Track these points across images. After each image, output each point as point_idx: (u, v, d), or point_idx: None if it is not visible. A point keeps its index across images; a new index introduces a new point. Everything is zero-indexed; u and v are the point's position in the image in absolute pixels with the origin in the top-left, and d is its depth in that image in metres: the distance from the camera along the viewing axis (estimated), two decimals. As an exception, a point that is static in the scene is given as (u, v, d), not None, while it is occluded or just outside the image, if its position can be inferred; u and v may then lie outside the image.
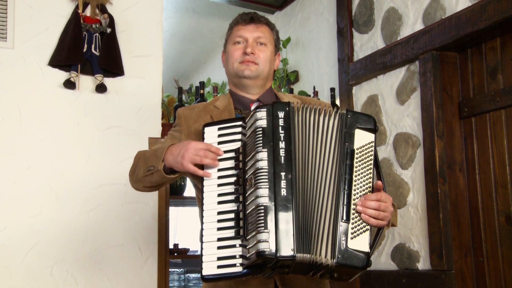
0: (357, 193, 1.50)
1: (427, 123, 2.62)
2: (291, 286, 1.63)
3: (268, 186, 1.45)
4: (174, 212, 5.28)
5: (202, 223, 1.55)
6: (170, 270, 3.15)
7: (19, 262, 2.72)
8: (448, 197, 2.54)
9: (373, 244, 1.50)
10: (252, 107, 1.76)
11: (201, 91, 3.27)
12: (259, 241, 1.40)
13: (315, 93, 3.41)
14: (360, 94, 3.13)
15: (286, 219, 1.43)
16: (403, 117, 2.81)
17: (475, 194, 2.53)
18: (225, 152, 1.59)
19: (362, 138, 1.54)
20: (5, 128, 2.80)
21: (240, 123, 1.62)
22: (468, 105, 2.57)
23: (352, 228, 1.46)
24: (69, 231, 2.83)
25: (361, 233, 1.47)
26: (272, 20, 4.16)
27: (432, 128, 2.59)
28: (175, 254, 3.27)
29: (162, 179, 1.62)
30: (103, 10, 3.02)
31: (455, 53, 2.64)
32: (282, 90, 3.70)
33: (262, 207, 1.43)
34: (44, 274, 2.75)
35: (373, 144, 1.55)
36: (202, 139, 1.63)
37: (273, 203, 1.44)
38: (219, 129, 1.63)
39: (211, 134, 1.63)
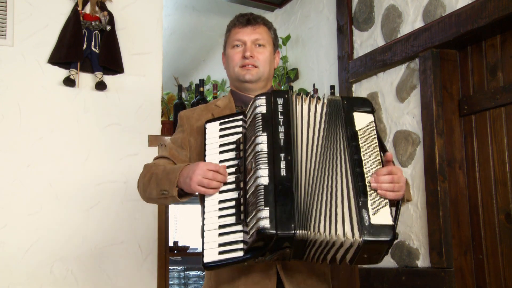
0: (369, 171, 1.50)
1: (427, 120, 2.62)
2: (292, 275, 1.63)
3: (267, 168, 1.46)
4: (174, 209, 5.28)
5: (203, 212, 1.56)
6: (170, 267, 3.16)
7: (19, 260, 2.72)
8: (448, 195, 2.54)
9: (395, 218, 1.48)
10: None
11: (201, 89, 3.27)
12: (259, 219, 1.40)
13: (315, 91, 3.41)
14: (360, 92, 3.13)
15: (286, 197, 1.43)
16: (403, 114, 2.81)
17: (475, 192, 2.53)
18: (227, 144, 1.62)
19: (361, 120, 1.57)
20: (5, 125, 2.80)
21: (241, 117, 1.65)
22: (468, 103, 2.57)
23: (372, 204, 1.45)
24: (69, 228, 2.84)
25: (381, 207, 1.45)
26: (272, 17, 4.17)
27: (432, 125, 2.58)
28: (175, 251, 3.28)
29: (175, 202, 1.65)
30: (103, 7, 3.02)
31: (455, 51, 2.64)
32: (282, 87, 3.70)
33: (262, 187, 1.44)
34: (44, 272, 2.75)
35: (373, 124, 1.58)
36: (204, 134, 1.67)
37: (272, 183, 1.44)
38: (221, 123, 1.66)
39: (213, 129, 1.66)
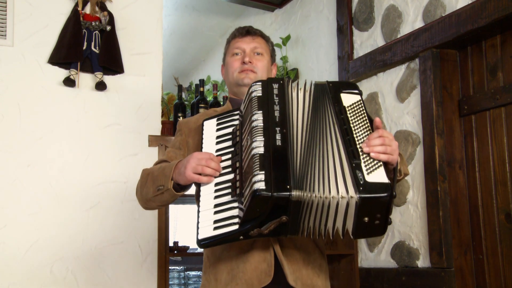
0: (360, 139, 1.51)
1: (427, 120, 2.62)
2: (289, 260, 1.64)
3: (263, 139, 1.47)
4: (174, 210, 5.28)
5: (199, 195, 1.58)
6: (170, 267, 3.15)
7: (19, 260, 2.72)
8: (448, 195, 2.54)
9: (393, 179, 1.46)
10: None
11: (201, 89, 3.28)
12: (254, 183, 1.39)
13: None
14: (360, 92, 3.13)
15: (282, 163, 1.43)
16: (403, 114, 2.81)
17: (475, 192, 2.53)
18: (223, 135, 1.66)
19: (349, 99, 1.61)
20: (4, 125, 2.80)
21: (237, 112, 1.70)
22: (468, 103, 2.57)
23: (366, 166, 1.45)
24: (69, 228, 2.84)
25: (375, 168, 1.45)
26: (272, 17, 4.18)
27: (432, 125, 2.59)
28: (175, 252, 3.28)
29: (172, 197, 1.65)
30: (103, 7, 3.02)
31: (455, 51, 2.64)
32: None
33: (258, 155, 1.44)
34: (44, 272, 2.75)
35: (361, 102, 1.61)
36: (202, 131, 1.71)
37: (268, 152, 1.45)
38: (218, 119, 1.72)
39: (210, 125, 1.71)
